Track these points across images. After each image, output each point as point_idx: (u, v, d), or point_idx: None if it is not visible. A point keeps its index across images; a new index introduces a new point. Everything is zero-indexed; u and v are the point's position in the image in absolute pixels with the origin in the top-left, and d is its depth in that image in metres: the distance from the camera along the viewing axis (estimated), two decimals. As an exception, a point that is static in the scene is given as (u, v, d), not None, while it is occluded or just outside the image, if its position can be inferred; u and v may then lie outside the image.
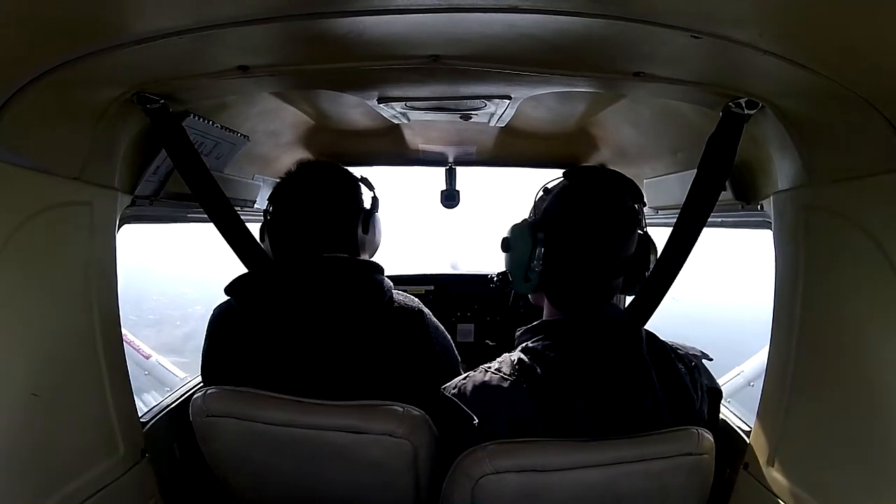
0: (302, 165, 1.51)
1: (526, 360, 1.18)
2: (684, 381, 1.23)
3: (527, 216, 1.33)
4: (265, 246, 1.50)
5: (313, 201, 1.43)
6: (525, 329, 1.29)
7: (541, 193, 1.32)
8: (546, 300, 1.30)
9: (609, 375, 1.16)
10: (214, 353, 1.41)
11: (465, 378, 1.24)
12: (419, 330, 1.38)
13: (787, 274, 1.22)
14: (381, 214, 1.58)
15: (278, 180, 1.51)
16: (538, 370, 1.16)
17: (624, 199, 1.24)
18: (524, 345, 1.23)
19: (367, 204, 1.52)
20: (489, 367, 1.22)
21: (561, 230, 1.23)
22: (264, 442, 1.24)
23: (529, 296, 1.37)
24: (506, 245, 1.28)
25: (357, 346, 1.31)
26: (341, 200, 1.46)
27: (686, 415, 1.21)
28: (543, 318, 1.30)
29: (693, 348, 1.34)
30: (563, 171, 1.30)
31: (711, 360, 1.34)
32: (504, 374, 1.19)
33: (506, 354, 1.25)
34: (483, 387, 1.19)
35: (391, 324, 1.35)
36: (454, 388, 1.23)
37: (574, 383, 1.15)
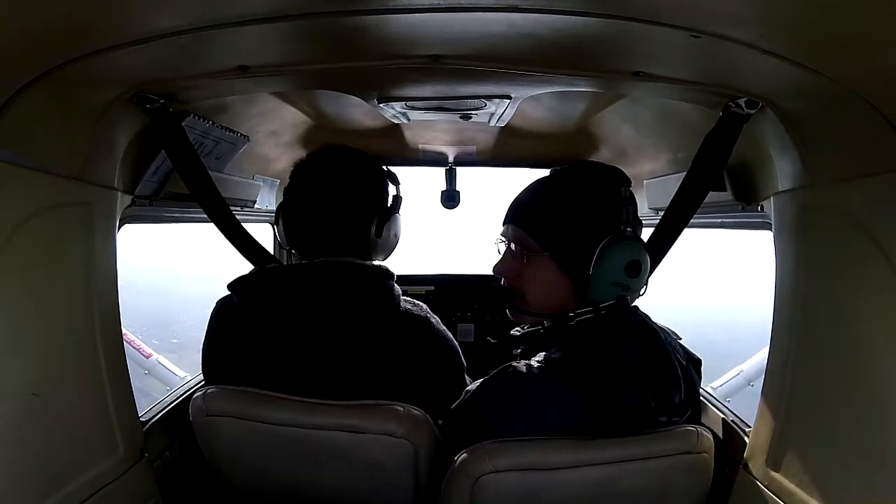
0: (324, 150, 1.41)
1: (558, 359, 1.15)
2: (677, 357, 1.24)
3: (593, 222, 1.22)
4: (279, 230, 1.44)
5: (329, 194, 1.37)
6: (531, 345, 1.27)
7: (614, 199, 1.24)
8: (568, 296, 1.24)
9: (649, 366, 1.16)
10: (215, 351, 1.41)
11: (483, 385, 1.19)
12: (425, 337, 1.37)
13: (787, 274, 1.22)
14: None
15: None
16: (576, 370, 1.13)
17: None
18: (543, 355, 1.19)
19: (388, 202, 1.44)
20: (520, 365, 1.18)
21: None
22: (264, 441, 1.24)
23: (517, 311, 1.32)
24: (635, 269, 1.19)
25: (361, 350, 1.30)
26: (359, 196, 1.39)
27: (688, 390, 1.21)
28: (547, 325, 1.29)
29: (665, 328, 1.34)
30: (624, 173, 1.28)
31: (681, 339, 1.32)
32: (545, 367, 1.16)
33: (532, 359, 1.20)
34: (525, 382, 1.15)
35: (397, 330, 1.34)
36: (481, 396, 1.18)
37: (620, 375, 1.13)
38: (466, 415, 1.19)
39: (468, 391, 1.21)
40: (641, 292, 1.25)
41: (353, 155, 1.42)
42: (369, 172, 1.42)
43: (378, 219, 1.39)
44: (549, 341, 1.23)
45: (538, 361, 1.17)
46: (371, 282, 1.35)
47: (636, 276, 1.18)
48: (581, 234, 1.20)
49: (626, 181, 1.25)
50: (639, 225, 1.26)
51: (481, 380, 1.21)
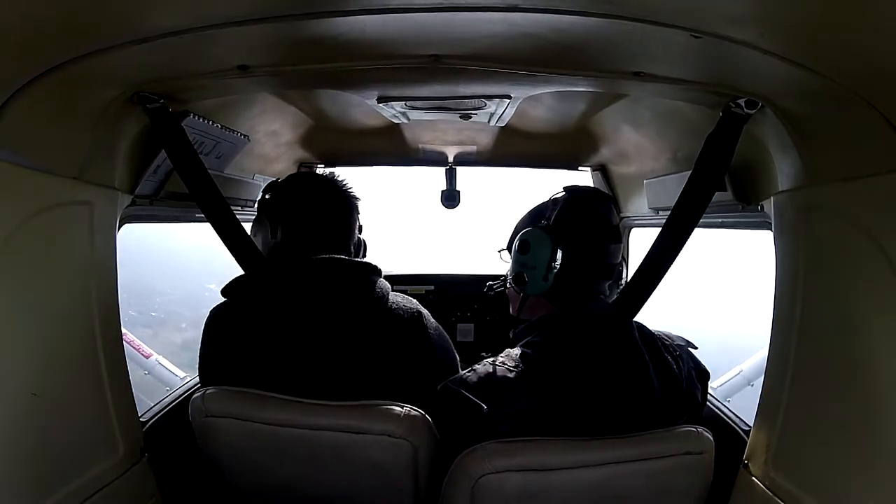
0: (300, 176, 1.56)
1: (529, 352, 1.23)
2: (671, 367, 1.28)
3: (529, 222, 1.40)
4: (256, 243, 1.49)
5: (318, 209, 1.47)
6: (524, 326, 1.35)
7: (549, 203, 1.39)
8: (542, 300, 1.35)
9: (608, 362, 1.21)
10: (211, 355, 1.41)
11: (469, 371, 1.27)
12: (417, 332, 1.38)
13: (787, 274, 1.22)
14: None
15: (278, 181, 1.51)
16: (542, 362, 1.21)
17: (614, 213, 1.38)
18: (525, 340, 1.29)
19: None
20: (493, 361, 1.26)
21: (573, 235, 1.32)
22: (263, 442, 1.24)
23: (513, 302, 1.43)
24: (525, 247, 1.32)
25: (354, 347, 1.31)
26: (341, 206, 1.50)
27: (675, 397, 1.25)
28: (539, 316, 1.35)
29: (679, 337, 1.40)
30: (564, 186, 1.39)
31: (696, 348, 1.41)
32: (509, 366, 1.23)
33: (508, 350, 1.29)
34: (489, 377, 1.22)
35: (389, 326, 1.35)
36: (458, 381, 1.25)
37: (577, 372, 1.19)
38: (448, 396, 1.25)
39: (450, 380, 1.28)
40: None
41: (325, 179, 1.55)
42: (339, 188, 1.53)
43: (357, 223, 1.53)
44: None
45: (502, 358, 1.27)
46: (359, 276, 1.38)
47: (527, 252, 1.31)
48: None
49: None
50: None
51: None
